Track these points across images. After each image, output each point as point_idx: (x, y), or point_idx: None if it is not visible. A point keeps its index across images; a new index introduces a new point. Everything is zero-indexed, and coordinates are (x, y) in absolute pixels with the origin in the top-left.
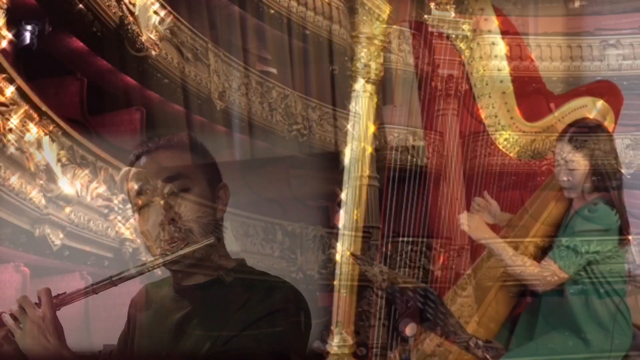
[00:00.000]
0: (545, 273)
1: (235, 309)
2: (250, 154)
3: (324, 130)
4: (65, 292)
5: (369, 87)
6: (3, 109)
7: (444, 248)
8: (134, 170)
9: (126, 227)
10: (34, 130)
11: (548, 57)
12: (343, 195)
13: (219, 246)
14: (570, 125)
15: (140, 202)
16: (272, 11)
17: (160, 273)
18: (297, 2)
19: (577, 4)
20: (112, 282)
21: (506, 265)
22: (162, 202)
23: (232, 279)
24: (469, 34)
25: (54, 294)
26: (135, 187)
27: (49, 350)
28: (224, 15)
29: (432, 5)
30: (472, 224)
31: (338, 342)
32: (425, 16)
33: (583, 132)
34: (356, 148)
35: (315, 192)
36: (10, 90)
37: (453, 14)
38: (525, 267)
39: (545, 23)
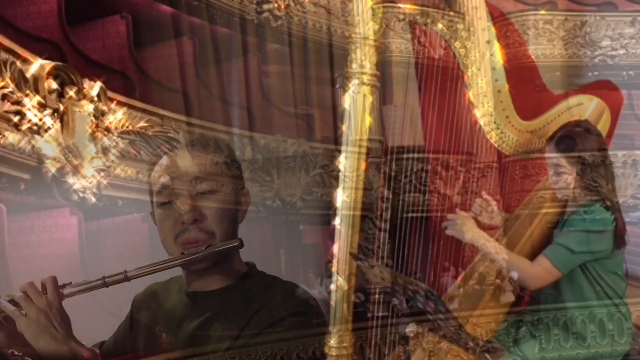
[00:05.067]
0: (538, 270)
1: (250, 314)
2: None
3: None
4: (71, 282)
5: (364, 88)
6: None
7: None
8: (162, 164)
9: (45, 140)
10: None
11: None
12: (339, 197)
13: (234, 251)
14: (558, 129)
15: (162, 198)
16: None
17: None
18: None
19: None
20: (126, 277)
21: (499, 264)
22: (189, 201)
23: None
24: (464, 33)
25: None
26: (161, 182)
27: (56, 339)
28: None
29: None
30: (466, 226)
31: (337, 342)
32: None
33: (569, 137)
34: (351, 149)
35: None
36: None
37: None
38: (518, 264)
39: None
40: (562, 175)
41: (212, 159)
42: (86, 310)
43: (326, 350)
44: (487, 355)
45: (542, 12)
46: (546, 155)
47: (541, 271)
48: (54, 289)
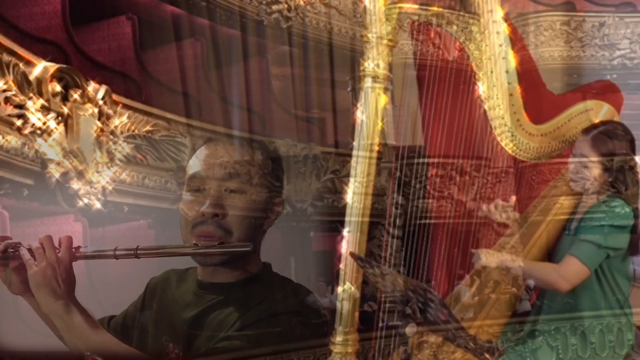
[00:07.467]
0: (566, 272)
1: (251, 306)
2: None
3: None
4: (87, 246)
5: (377, 89)
6: None
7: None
8: (202, 153)
9: (49, 144)
10: None
11: None
12: (348, 199)
13: (251, 254)
14: (598, 124)
15: (191, 187)
16: None
17: None
18: None
19: None
20: (135, 254)
21: (532, 276)
22: (212, 194)
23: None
24: (478, 35)
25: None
26: (194, 170)
27: (55, 294)
28: None
29: None
30: (490, 258)
31: (341, 340)
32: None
33: (608, 136)
34: (363, 148)
35: None
36: None
37: None
38: (545, 271)
39: None
40: (585, 169)
41: (251, 160)
42: None
43: (331, 347)
44: (488, 356)
45: (552, 13)
46: (577, 143)
47: (572, 272)
48: (67, 248)
